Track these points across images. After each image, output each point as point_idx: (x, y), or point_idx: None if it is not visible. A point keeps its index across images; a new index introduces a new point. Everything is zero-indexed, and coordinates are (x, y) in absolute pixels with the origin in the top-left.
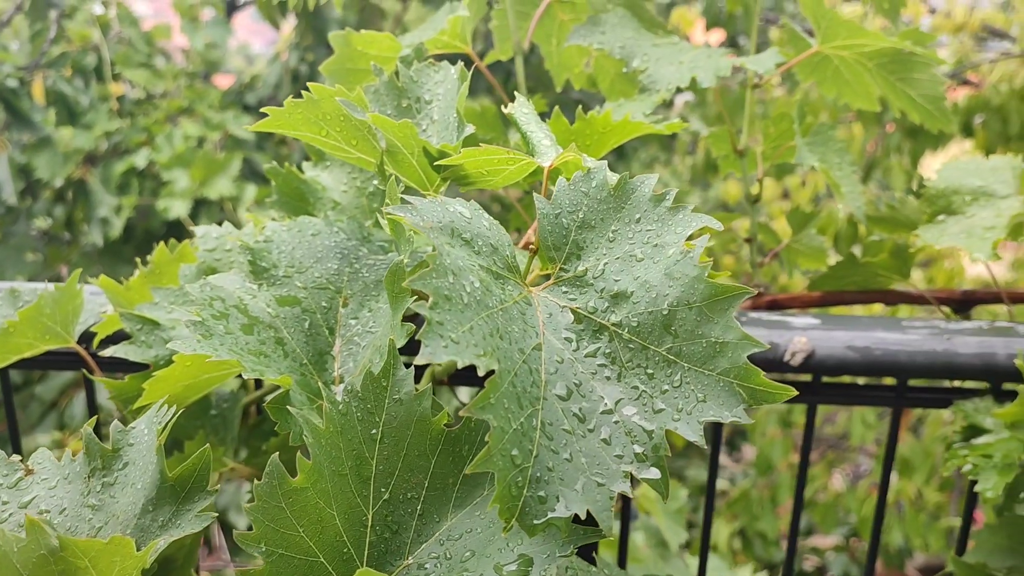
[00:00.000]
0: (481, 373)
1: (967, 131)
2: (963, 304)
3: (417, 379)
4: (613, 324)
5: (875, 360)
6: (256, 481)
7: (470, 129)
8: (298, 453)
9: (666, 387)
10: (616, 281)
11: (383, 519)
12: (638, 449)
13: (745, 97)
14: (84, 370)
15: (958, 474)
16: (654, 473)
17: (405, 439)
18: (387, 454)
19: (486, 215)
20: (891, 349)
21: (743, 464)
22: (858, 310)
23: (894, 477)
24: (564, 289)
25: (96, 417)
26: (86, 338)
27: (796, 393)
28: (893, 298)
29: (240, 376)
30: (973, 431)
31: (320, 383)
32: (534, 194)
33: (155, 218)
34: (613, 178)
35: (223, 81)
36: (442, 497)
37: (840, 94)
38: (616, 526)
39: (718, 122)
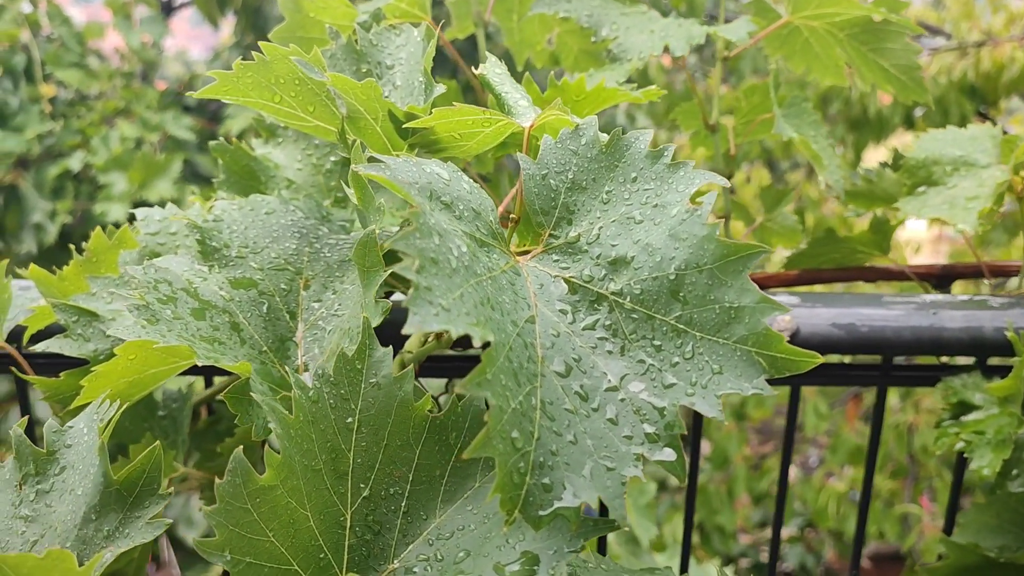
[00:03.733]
0: (477, 344)
1: (908, 122)
2: (943, 278)
3: None
4: (613, 293)
5: (861, 337)
6: (218, 480)
7: (440, 89)
8: (266, 446)
9: (676, 359)
10: (613, 246)
11: (363, 519)
12: (649, 428)
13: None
14: (14, 369)
15: (911, 461)
16: (668, 454)
17: (385, 428)
18: (365, 445)
19: (466, 177)
20: (877, 325)
21: (700, 459)
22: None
23: (848, 468)
24: (555, 257)
25: (27, 418)
26: (15, 336)
27: (823, 359)
28: (872, 274)
29: (190, 372)
30: (962, 408)
31: (283, 371)
32: (518, 154)
33: (92, 223)
34: (603, 135)
35: (161, 87)
36: (429, 492)
37: (809, 68)
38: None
39: (666, 119)
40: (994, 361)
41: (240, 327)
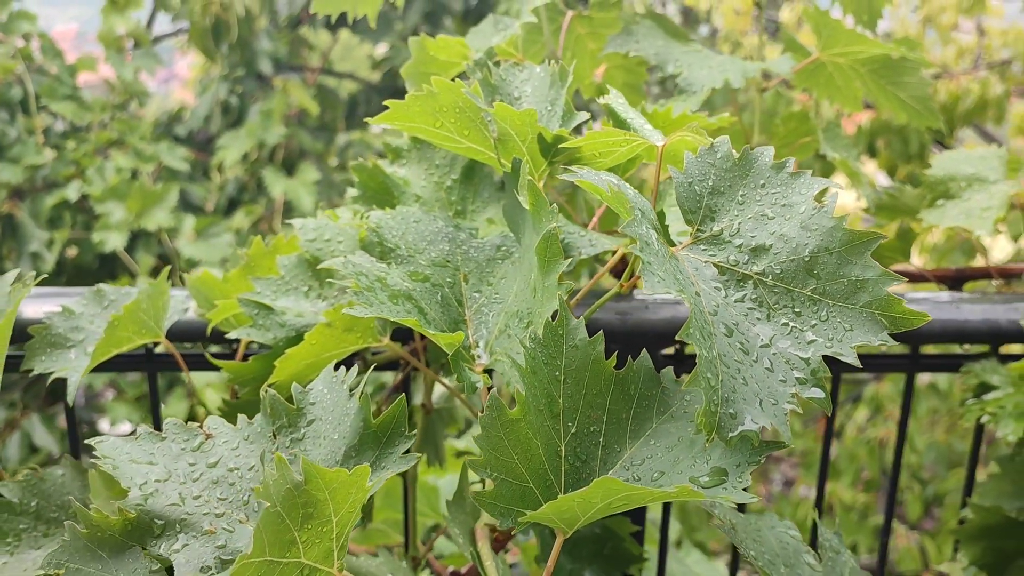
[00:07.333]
0: (688, 306)
1: (871, 151)
2: (957, 280)
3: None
4: (756, 273)
5: None
6: (480, 414)
7: (583, 116)
8: (515, 389)
9: (814, 322)
10: (752, 237)
11: (573, 450)
12: (798, 374)
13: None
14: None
15: (885, 477)
16: (817, 392)
17: (584, 379)
18: (570, 393)
19: (628, 184)
20: None
21: None
22: None
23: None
24: (703, 247)
25: (268, 384)
26: (170, 334)
27: (931, 318)
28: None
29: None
30: (983, 388)
31: (460, 348)
32: (669, 167)
33: (88, 251)
34: (734, 151)
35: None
36: (619, 430)
37: (831, 98)
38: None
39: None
40: (1005, 349)
41: (424, 311)
